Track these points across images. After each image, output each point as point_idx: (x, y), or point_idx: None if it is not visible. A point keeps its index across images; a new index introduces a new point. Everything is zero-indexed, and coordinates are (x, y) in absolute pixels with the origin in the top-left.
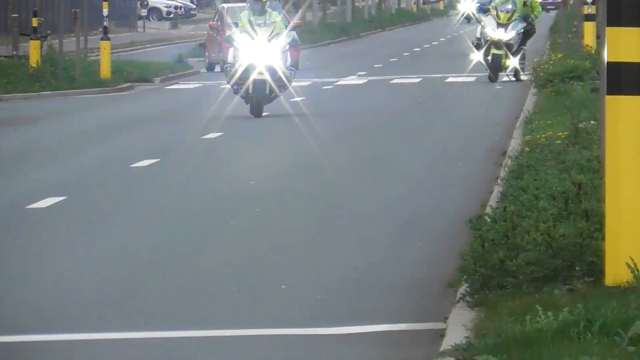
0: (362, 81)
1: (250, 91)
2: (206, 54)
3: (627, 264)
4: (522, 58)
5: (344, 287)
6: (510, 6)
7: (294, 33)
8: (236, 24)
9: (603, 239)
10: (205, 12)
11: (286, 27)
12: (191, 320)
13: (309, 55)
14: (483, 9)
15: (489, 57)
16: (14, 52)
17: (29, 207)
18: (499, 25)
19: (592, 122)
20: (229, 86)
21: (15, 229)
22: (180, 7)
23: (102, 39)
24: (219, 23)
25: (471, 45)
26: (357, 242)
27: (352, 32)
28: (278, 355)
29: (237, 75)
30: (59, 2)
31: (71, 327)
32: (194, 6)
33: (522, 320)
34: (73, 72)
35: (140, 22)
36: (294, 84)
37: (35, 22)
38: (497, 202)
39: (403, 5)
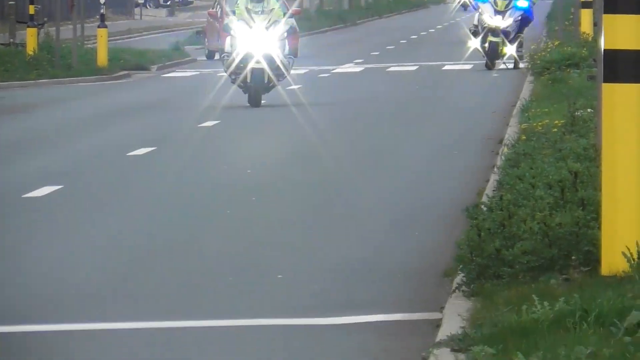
0: (359, 69)
1: (248, 80)
2: (206, 42)
3: (624, 253)
4: (520, 46)
5: (341, 277)
6: None
7: (292, 20)
8: (234, 12)
9: (599, 227)
10: None
11: (284, 14)
12: (187, 309)
13: (306, 42)
14: None
15: (486, 45)
16: (11, 40)
17: (25, 195)
18: (497, 12)
19: (588, 110)
20: (226, 75)
21: (12, 218)
22: None
23: (99, 27)
24: (219, 10)
25: (468, 33)
26: (354, 232)
27: (349, 20)
28: (275, 345)
29: (234, 64)
30: None
31: (67, 316)
32: None
33: (518, 310)
34: (70, 60)
35: (137, 10)
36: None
37: (32, 9)
38: (494, 190)
39: None
